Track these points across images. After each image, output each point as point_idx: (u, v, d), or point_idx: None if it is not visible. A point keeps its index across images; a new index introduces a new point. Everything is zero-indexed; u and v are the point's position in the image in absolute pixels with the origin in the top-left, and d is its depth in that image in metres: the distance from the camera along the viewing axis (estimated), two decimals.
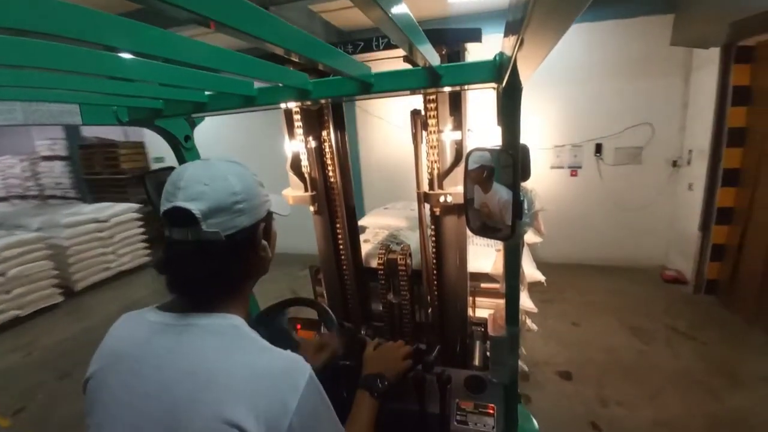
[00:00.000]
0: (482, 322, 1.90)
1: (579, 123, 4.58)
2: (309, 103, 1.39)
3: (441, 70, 0.86)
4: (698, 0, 3.49)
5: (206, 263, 0.65)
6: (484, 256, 2.19)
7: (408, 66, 1.07)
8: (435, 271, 1.69)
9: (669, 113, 4.31)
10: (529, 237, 2.86)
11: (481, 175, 0.91)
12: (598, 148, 4.56)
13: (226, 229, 0.65)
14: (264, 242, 0.74)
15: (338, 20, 4.41)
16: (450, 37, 1.29)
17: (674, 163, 4.38)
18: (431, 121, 1.41)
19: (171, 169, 1.20)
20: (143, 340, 0.66)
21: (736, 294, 3.60)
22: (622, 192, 4.61)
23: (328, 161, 1.70)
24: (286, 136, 1.71)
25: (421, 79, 0.88)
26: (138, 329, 0.69)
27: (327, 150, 1.68)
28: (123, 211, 5.40)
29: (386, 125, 5.14)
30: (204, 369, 0.60)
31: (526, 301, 2.35)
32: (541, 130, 4.67)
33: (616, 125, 4.45)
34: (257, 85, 1.01)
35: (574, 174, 4.75)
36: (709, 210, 3.84)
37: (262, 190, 0.73)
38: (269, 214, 0.76)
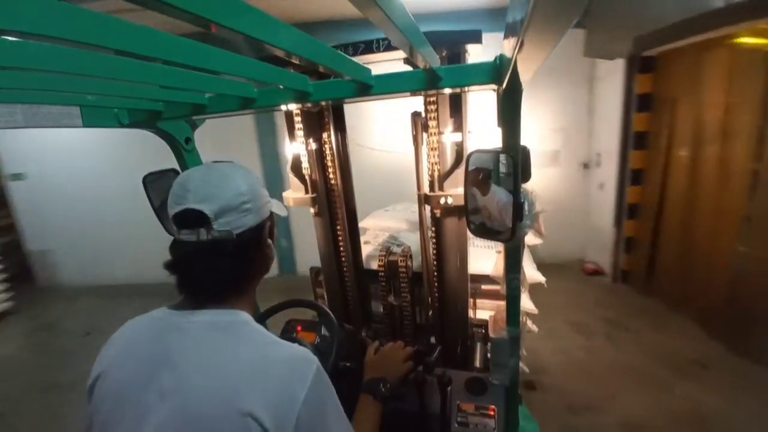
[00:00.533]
0: (483, 324, 1.89)
1: None
2: (309, 105, 1.39)
3: (441, 72, 0.86)
4: (606, 17, 3.81)
5: (217, 261, 0.67)
6: (484, 257, 2.19)
7: (408, 68, 1.08)
8: (435, 273, 1.68)
9: (578, 119, 4.77)
10: (530, 238, 2.86)
11: (478, 178, 0.91)
12: None
13: (235, 228, 0.68)
14: (269, 241, 0.78)
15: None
16: (450, 38, 1.30)
17: (585, 165, 4.87)
18: (432, 123, 1.41)
19: (171, 171, 1.21)
20: (153, 339, 0.68)
21: (655, 282, 3.99)
22: (544, 192, 4.81)
23: (329, 163, 1.70)
24: (287, 138, 1.71)
25: (422, 81, 0.89)
26: (146, 329, 0.71)
27: (327, 152, 1.68)
28: None
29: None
30: (215, 362, 0.62)
31: (526, 303, 2.35)
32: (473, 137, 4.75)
33: (537, 131, 4.77)
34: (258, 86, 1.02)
35: None
36: (621, 207, 4.31)
37: (264, 191, 0.77)
38: (271, 215, 0.79)
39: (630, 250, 4.29)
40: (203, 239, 0.66)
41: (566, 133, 4.80)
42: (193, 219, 0.66)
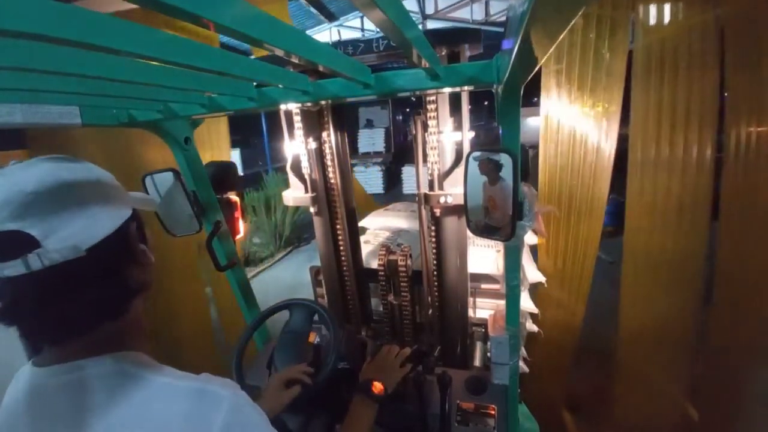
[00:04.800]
0: (483, 323, 1.90)
1: None
2: (309, 104, 1.39)
3: (440, 71, 0.86)
4: None
5: (68, 296, 0.49)
6: (484, 256, 2.19)
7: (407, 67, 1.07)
8: (435, 272, 1.68)
9: None
10: (529, 238, 2.86)
11: (489, 166, 0.91)
12: None
13: (83, 241, 0.48)
14: (142, 246, 0.60)
15: None
16: (450, 37, 1.30)
17: None
18: (431, 122, 1.41)
19: (171, 170, 1.21)
20: (22, 414, 0.51)
21: None
22: None
23: (328, 162, 1.70)
24: (286, 137, 1.72)
25: (421, 80, 0.88)
26: (19, 398, 0.53)
27: (327, 151, 1.68)
28: None
29: None
30: None
31: (526, 302, 2.35)
32: None
33: None
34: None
35: None
36: None
37: (112, 183, 0.58)
38: (135, 214, 0.61)
39: None
40: (35, 269, 0.46)
41: None
42: (9, 245, 0.45)
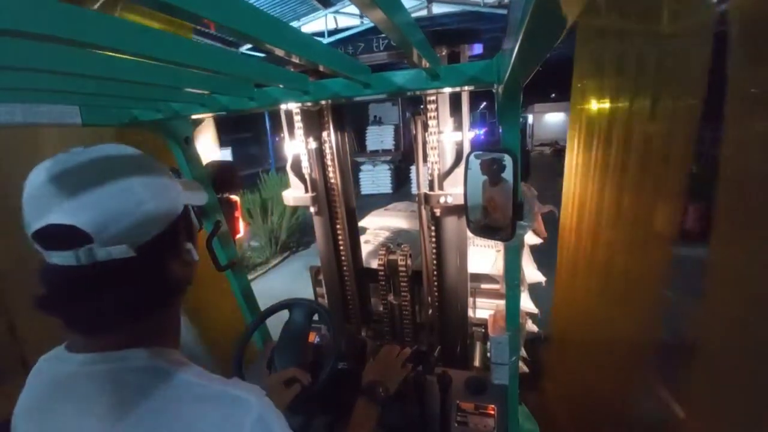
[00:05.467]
0: (482, 323, 1.90)
1: None
2: (309, 104, 1.39)
3: (440, 71, 0.86)
4: None
5: (113, 292, 0.49)
6: (484, 256, 2.19)
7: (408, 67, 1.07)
8: (435, 272, 1.69)
9: None
10: (529, 238, 2.87)
11: (491, 166, 0.91)
12: None
13: (133, 242, 0.48)
14: (188, 245, 0.58)
15: None
16: (450, 37, 1.30)
17: None
18: (431, 122, 1.41)
19: (171, 170, 1.21)
20: (49, 397, 0.51)
21: None
22: None
23: (329, 162, 1.70)
24: (287, 137, 1.72)
25: (421, 80, 0.88)
26: (47, 383, 0.54)
27: (327, 151, 1.69)
28: None
29: None
30: None
31: (526, 302, 2.35)
32: None
33: None
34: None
35: None
36: None
37: (170, 179, 0.56)
38: (186, 210, 0.59)
39: None
40: (85, 263, 0.46)
41: None
42: (62, 237, 0.45)
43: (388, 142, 10.54)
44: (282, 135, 1.75)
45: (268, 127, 11.51)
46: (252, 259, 6.01)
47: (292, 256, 6.46)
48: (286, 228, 6.34)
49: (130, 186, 0.49)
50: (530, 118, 22.08)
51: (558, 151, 18.14)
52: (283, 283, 5.25)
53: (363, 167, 10.82)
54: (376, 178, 10.75)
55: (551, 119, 21.25)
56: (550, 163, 16.48)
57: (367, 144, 10.64)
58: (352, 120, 9.51)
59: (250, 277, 5.05)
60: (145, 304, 0.53)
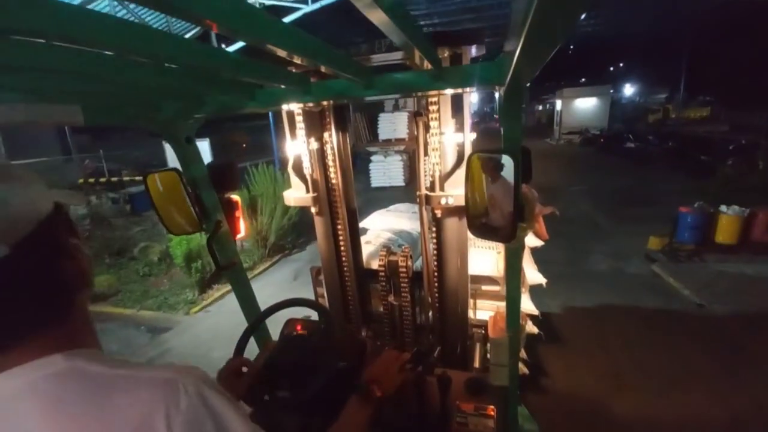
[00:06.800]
0: (483, 324, 1.90)
1: None
2: (311, 104, 1.39)
3: (443, 72, 0.86)
4: None
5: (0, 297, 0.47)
6: (485, 258, 2.19)
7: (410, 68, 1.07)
8: (436, 273, 1.68)
9: None
10: (530, 240, 2.86)
11: (491, 164, 0.91)
12: None
13: (4, 239, 0.46)
14: (73, 241, 0.56)
15: None
16: (452, 38, 1.29)
17: None
18: (433, 124, 1.41)
19: (173, 170, 1.21)
20: None
21: None
22: None
23: (330, 163, 1.70)
24: (288, 137, 1.72)
25: (423, 81, 0.89)
26: None
27: (329, 151, 1.69)
28: None
29: None
30: None
31: (526, 304, 2.35)
32: None
33: None
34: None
35: None
36: None
37: (30, 177, 0.54)
38: (60, 209, 0.56)
39: None
40: None
41: None
42: None
43: (402, 131, 9.13)
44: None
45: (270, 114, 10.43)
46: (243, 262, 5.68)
47: (284, 260, 5.93)
48: (275, 229, 5.82)
49: None
50: (558, 104, 21.15)
51: (588, 140, 17.70)
52: (269, 294, 4.44)
53: (373, 158, 10.10)
54: (387, 170, 10.06)
55: (581, 105, 20.46)
56: (580, 153, 15.98)
57: (378, 132, 9.23)
58: (365, 106, 8.83)
59: (226, 288, 4.78)
60: (42, 306, 0.51)
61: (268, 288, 4.94)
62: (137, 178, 8.66)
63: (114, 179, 10.61)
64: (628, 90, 33.24)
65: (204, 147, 5.78)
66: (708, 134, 14.52)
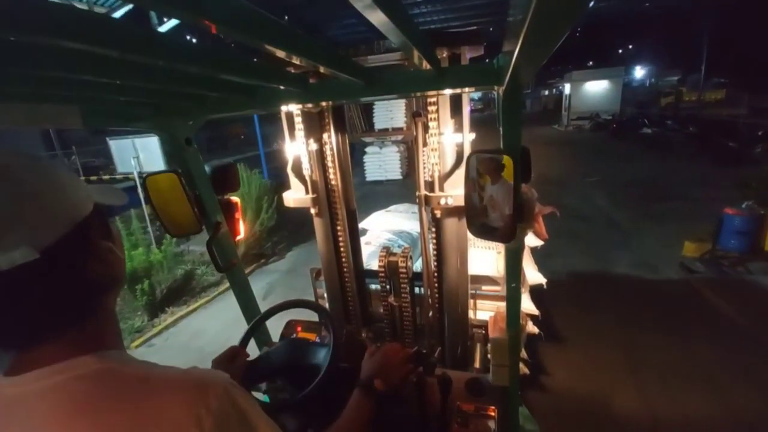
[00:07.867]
0: (483, 325, 1.89)
1: None
2: (310, 105, 1.39)
3: (441, 73, 0.86)
4: None
5: (29, 298, 0.46)
6: (485, 258, 2.19)
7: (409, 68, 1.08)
8: (436, 274, 1.68)
9: None
10: (530, 240, 2.86)
11: (491, 165, 0.91)
12: None
13: (36, 244, 0.45)
14: (107, 243, 0.55)
15: None
16: (450, 39, 1.29)
17: None
18: (432, 124, 1.41)
19: (172, 171, 1.21)
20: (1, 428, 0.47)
21: None
22: None
23: (329, 164, 1.70)
24: (287, 139, 1.72)
25: (422, 82, 0.88)
26: None
27: (328, 152, 1.69)
28: None
29: None
30: None
31: (527, 304, 2.35)
32: None
33: None
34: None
35: None
36: None
37: (72, 178, 0.53)
38: (97, 209, 0.55)
39: None
40: None
41: None
42: None
43: (399, 119, 8.38)
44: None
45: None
46: (203, 277, 4.78)
47: (259, 270, 5.17)
48: (245, 240, 5.05)
49: (24, 186, 0.46)
50: (567, 88, 20.23)
51: (599, 125, 17.07)
52: (222, 325, 3.84)
53: (369, 149, 9.49)
54: (383, 162, 9.45)
55: (591, 88, 19.55)
56: (591, 139, 15.13)
57: (374, 121, 8.52)
58: None
59: (184, 310, 4.22)
60: (70, 307, 0.50)
61: (222, 314, 4.09)
62: (118, 176, 7.80)
63: (93, 178, 9.90)
64: (639, 72, 31.96)
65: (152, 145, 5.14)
66: (732, 118, 13.50)
